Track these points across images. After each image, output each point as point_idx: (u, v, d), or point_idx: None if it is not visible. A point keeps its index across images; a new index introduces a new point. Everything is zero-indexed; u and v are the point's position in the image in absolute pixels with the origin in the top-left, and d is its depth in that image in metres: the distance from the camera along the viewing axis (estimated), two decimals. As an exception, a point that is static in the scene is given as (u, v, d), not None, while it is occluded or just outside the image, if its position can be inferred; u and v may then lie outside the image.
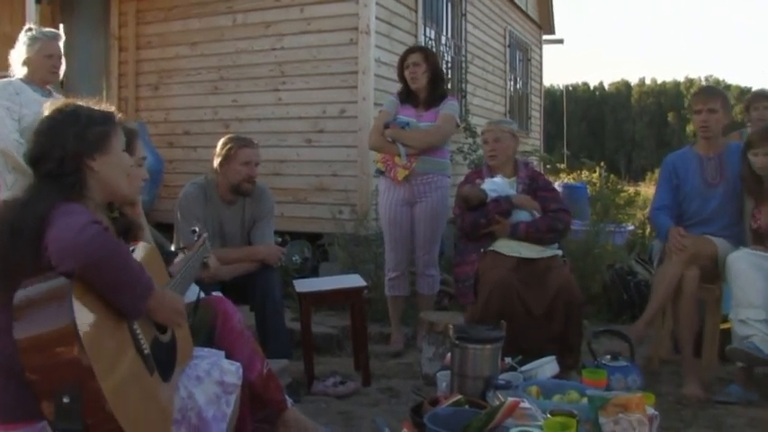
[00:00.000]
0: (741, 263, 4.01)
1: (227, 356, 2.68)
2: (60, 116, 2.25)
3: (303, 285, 4.42)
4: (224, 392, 2.48)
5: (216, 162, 4.17)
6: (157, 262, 2.49)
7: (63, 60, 4.24)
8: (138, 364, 2.07)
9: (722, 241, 4.31)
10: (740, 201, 4.41)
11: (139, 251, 2.35)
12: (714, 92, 4.72)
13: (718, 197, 4.44)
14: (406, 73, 4.97)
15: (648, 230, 8.24)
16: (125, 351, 2.04)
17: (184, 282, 2.58)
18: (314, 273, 6.46)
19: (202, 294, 2.93)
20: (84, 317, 1.89)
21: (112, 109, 2.40)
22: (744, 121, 5.81)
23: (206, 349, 2.67)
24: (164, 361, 2.25)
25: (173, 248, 3.44)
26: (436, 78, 4.98)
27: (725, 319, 4.32)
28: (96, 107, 2.34)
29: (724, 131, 4.64)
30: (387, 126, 4.91)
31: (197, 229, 3.06)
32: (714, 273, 4.28)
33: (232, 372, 2.54)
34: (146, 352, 2.12)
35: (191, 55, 7.67)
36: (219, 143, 4.22)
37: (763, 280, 3.95)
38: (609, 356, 3.58)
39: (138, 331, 2.11)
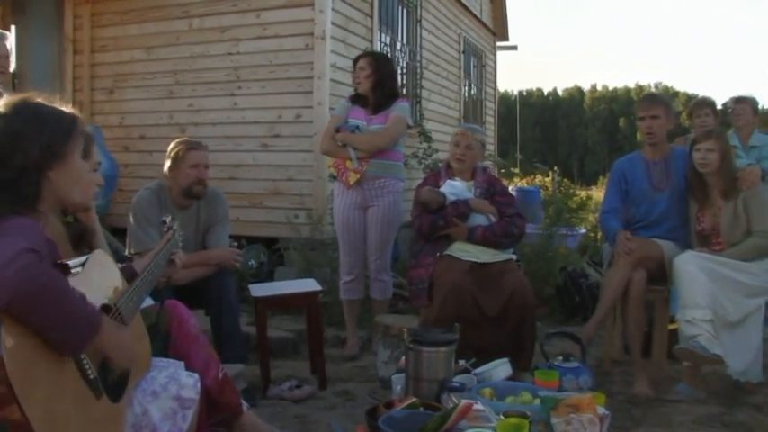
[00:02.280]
0: (687, 265, 4.11)
1: (183, 361, 2.63)
2: (22, 118, 2.09)
3: (258, 290, 4.41)
4: (180, 407, 2.42)
5: (165, 166, 4.14)
6: (111, 270, 2.38)
7: (12, 60, 4.19)
8: (82, 392, 1.96)
9: (669, 244, 4.42)
10: (686, 204, 4.53)
11: (93, 260, 2.21)
12: (656, 99, 4.87)
13: (665, 201, 4.55)
14: (353, 78, 5.02)
15: (600, 234, 8.36)
16: (65, 381, 1.90)
17: (144, 285, 2.53)
18: (270, 277, 6.46)
19: (149, 300, 2.89)
20: (12, 350, 1.75)
21: (75, 111, 2.26)
22: (689, 127, 5.98)
23: (164, 360, 2.61)
24: (115, 378, 2.16)
25: (126, 253, 3.41)
26: (382, 82, 4.97)
27: (672, 320, 4.42)
28: (59, 108, 2.20)
29: (669, 137, 4.76)
30: (338, 130, 4.93)
31: (167, 220, 3.00)
32: (661, 275, 4.38)
33: (190, 386, 2.48)
34: (91, 377, 2.00)
35: (146, 59, 7.61)
36: (169, 147, 4.20)
37: (708, 281, 4.05)
38: (561, 358, 3.63)
39: (82, 356, 1.98)
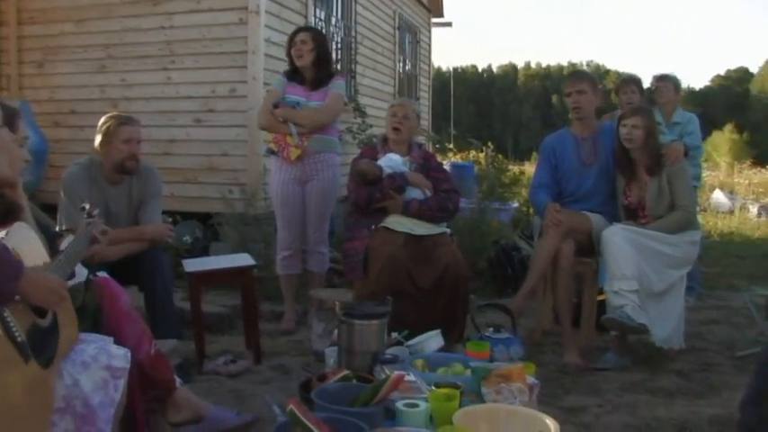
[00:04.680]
0: (614, 237, 4.23)
1: (115, 338, 2.61)
2: None
3: (192, 265, 4.39)
4: (112, 377, 2.41)
5: (96, 141, 4.07)
6: (34, 243, 2.39)
7: None
8: (9, 355, 1.98)
9: (598, 217, 4.54)
10: (614, 179, 4.65)
11: (14, 232, 2.24)
12: (582, 75, 5.00)
13: (593, 176, 4.67)
14: (292, 51, 4.99)
15: (532, 208, 8.50)
16: None
17: (68, 261, 2.51)
18: (205, 252, 6.41)
19: (84, 274, 2.87)
20: None
21: None
22: (617, 104, 6.12)
23: (92, 334, 2.58)
24: (44, 347, 2.18)
25: (57, 230, 3.35)
26: (322, 58, 5.01)
27: (601, 291, 4.55)
28: None
29: (597, 114, 4.87)
30: (276, 106, 4.91)
31: (86, 206, 2.98)
32: (590, 247, 4.50)
33: (120, 356, 2.47)
34: (19, 339, 2.03)
35: (77, 32, 7.43)
36: (99, 122, 4.12)
37: (634, 253, 4.18)
38: (492, 329, 3.69)
39: (8, 318, 2.01)
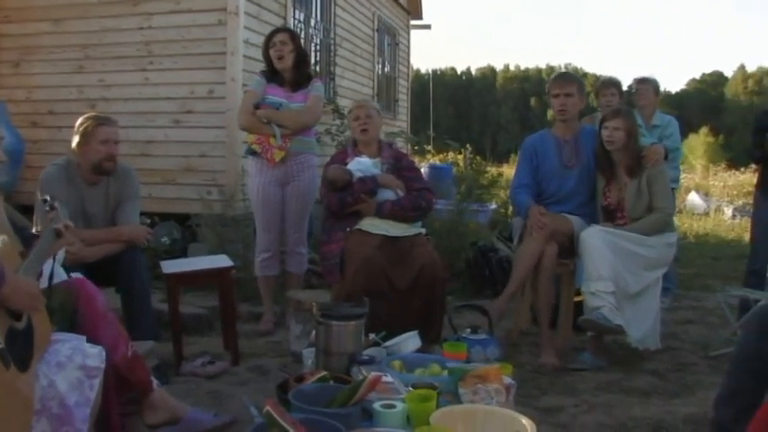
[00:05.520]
0: (592, 239, 4.26)
1: (90, 340, 2.59)
2: None
3: (170, 266, 4.38)
4: (87, 377, 2.41)
5: (74, 142, 4.04)
6: (8, 246, 2.38)
7: None
8: None
9: (577, 219, 4.56)
10: (594, 181, 4.68)
11: None
12: (570, 77, 4.98)
13: (574, 178, 4.68)
14: (272, 52, 4.96)
15: (510, 209, 8.54)
16: None
17: (37, 260, 2.49)
18: (183, 254, 6.40)
19: (64, 276, 2.86)
20: None
21: None
22: (596, 106, 6.16)
23: (66, 334, 2.57)
24: (21, 349, 2.17)
25: (34, 231, 3.32)
26: (301, 59, 5.01)
27: (578, 292, 4.58)
28: None
29: (579, 115, 4.90)
30: (257, 107, 4.90)
31: (48, 198, 2.90)
32: (569, 249, 4.52)
33: (95, 355, 2.47)
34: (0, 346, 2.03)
35: (54, 31, 7.38)
36: (77, 123, 4.09)
37: (612, 254, 4.21)
38: (469, 330, 3.70)
39: None
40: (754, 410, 2.54)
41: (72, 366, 2.39)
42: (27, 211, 3.65)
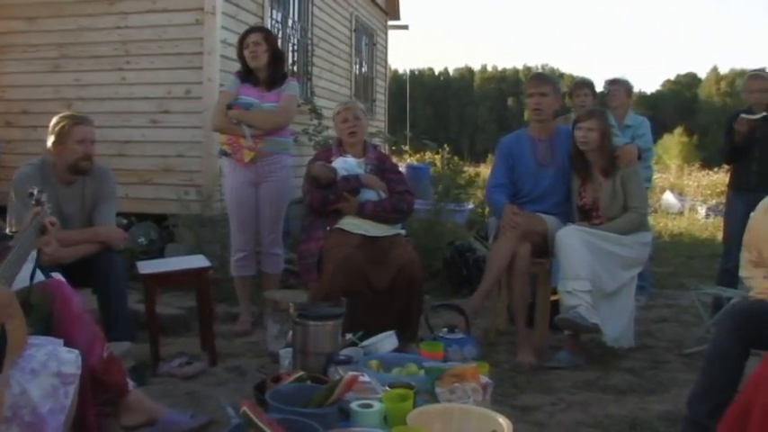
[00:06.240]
0: (568, 238, 4.29)
1: (66, 341, 2.57)
2: None
3: (147, 267, 4.37)
4: (62, 383, 2.37)
5: (49, 142, 4.01)
6: None
7: None
8: None
9: (552, 218, 4.59)
10: (569, 181, 4.71)
11: None
12: (544, 78, 5.04)
13: (550, 177, 4.71)
14: (246, 52, 4.94)
15: (487, 209, 8.57)
16: None
17: (18, 259, 2.46)
18: (160, 254, 6.37)
19: (41, 277, 2.83)
20: None
21: None
22: (570, 107, 6.21)
23: (42, 337, 2.54)
24: None
25: (7, 231, 3.29)
26: (276, 58, 4.99)
27: (555, 291, 4.61)
28: None
29: (554, 116, 4.94)
30: (230, 107, 4.88)
31: (35, 192, 2.86)
32: (545, 248, 4.55)
33: (71, 361, 2.44)
34: None
35: (29, 30, 7.30)
36: (52, 122, 4.06)
37: (588, 253, 4.24)
38: (446, 329, 3.70)
39: None
40: (726, 407, 2.58)
41: (46, 373, 2.35)
42: (0, 211, 3.62)
